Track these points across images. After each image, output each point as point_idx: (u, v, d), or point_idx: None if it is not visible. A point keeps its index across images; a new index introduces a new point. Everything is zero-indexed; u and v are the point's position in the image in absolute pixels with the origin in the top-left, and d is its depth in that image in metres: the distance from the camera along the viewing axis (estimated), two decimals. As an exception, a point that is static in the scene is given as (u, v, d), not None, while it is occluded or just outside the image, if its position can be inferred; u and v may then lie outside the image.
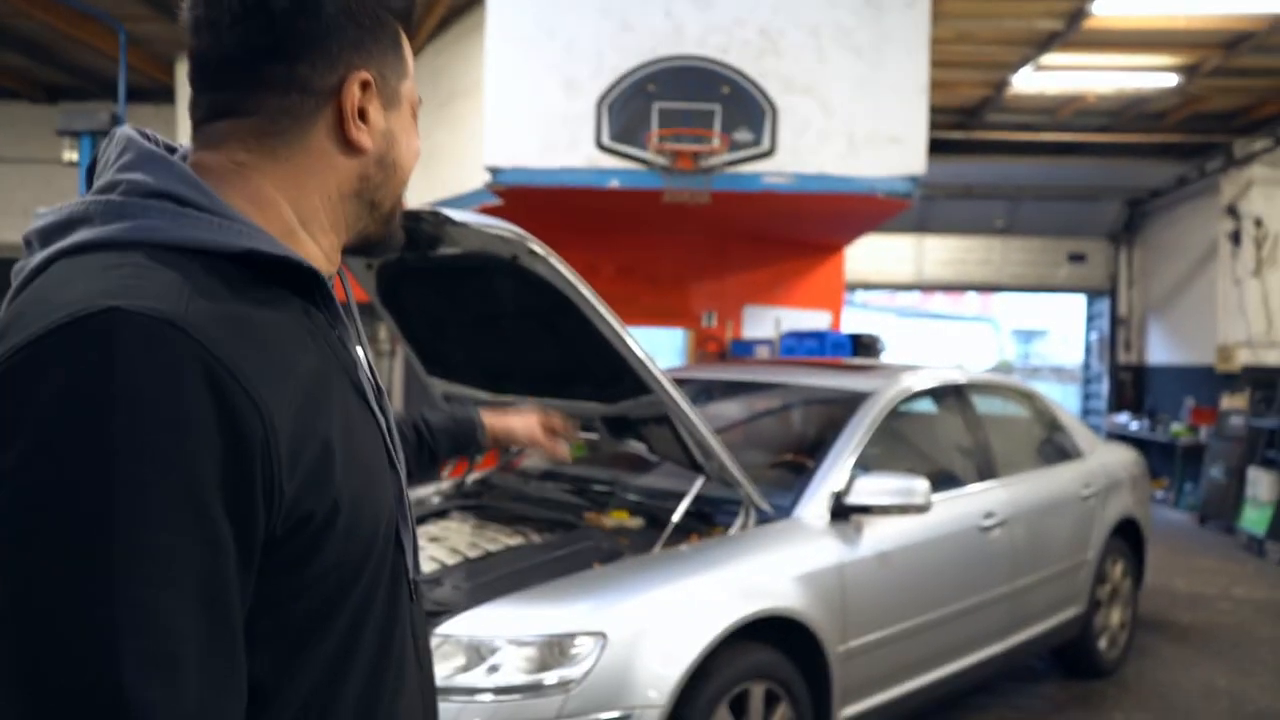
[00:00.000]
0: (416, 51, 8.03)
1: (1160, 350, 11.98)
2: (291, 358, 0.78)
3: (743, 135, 6.13)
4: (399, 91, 0.93)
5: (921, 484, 3.33)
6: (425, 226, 2.75)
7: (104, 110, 7.36)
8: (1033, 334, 27.57)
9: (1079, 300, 13.94)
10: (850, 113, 6.26)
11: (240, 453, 0.69)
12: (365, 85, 0.89)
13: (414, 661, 0.96)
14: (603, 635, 2.63)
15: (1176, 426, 10.63)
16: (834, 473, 3.45)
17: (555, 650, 2.59)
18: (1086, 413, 13.61)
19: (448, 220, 2.67)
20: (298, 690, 0.79)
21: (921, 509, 3.34)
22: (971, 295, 22.95)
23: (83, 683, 0.62)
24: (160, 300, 0.70)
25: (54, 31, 8.10)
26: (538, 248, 2.72)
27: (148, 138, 0.87)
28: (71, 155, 7.43)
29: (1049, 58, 8.00)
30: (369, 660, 0.86)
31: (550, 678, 2.56)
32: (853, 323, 12.55)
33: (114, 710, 0.62)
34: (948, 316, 26.75)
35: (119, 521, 0.63)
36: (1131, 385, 12.49)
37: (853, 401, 3.80)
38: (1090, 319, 13.67)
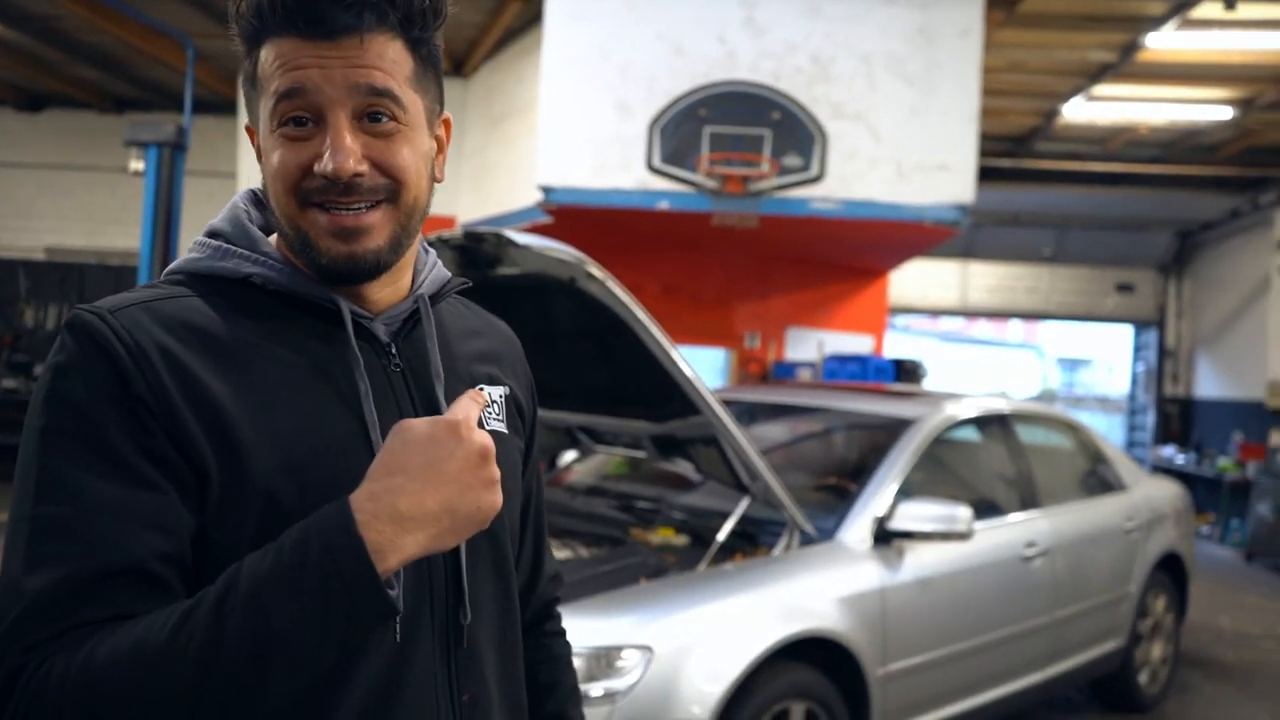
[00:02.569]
0: (471, 71, 8.23)
1: (1209, 383, 11.83)
2: (212, 355, 0.90)
3: (792, 160, 6.20)
4: (258, 110, 0.94)
5: (964, 511, 3.37)
6: (486, 247, 2.86)
7: (170, 122, 7.60)
8: (1078, 363, 27.23)
9: (1126, 330, 13.81)
10: (900, 140, 6.31)
11: (128, 390, 0.85)
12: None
13: (433, 710, 0.95)
14: (649, 649, 2.70)
15: (1224, 461, 10.49)
16: (877, 498, 3.50)
17: (603, 662, 2.67)
18: (1131, 444, 13.45)
19: (509, 242, 2.78)
20: None
21: (963, 536, 3.38)
22: (1016, 322, 22.74)
23: (13, 518, 0.85)
24: (112, 300, 0.91)
25: (125, 46, 8.40)
26: (596, 271, 2.81)
27: (255, 192, 1.04)
28: (137, 165, 7.66)
29: (1101, 88, 8.00)
30: None
31: (596, 689, 2.63)
32: (895, 347, 12.53)
33: (21, 525, 0.84)
34: (991, 343, 26.52)
35: (33, 440, 0.86)
36: (1178, 418, 12.33)
37: (897, 428, 3.85)
38: (1137, 350, 13.53)
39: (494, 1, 6.93)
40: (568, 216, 6.51)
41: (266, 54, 0.91)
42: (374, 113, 0.91)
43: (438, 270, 1.08)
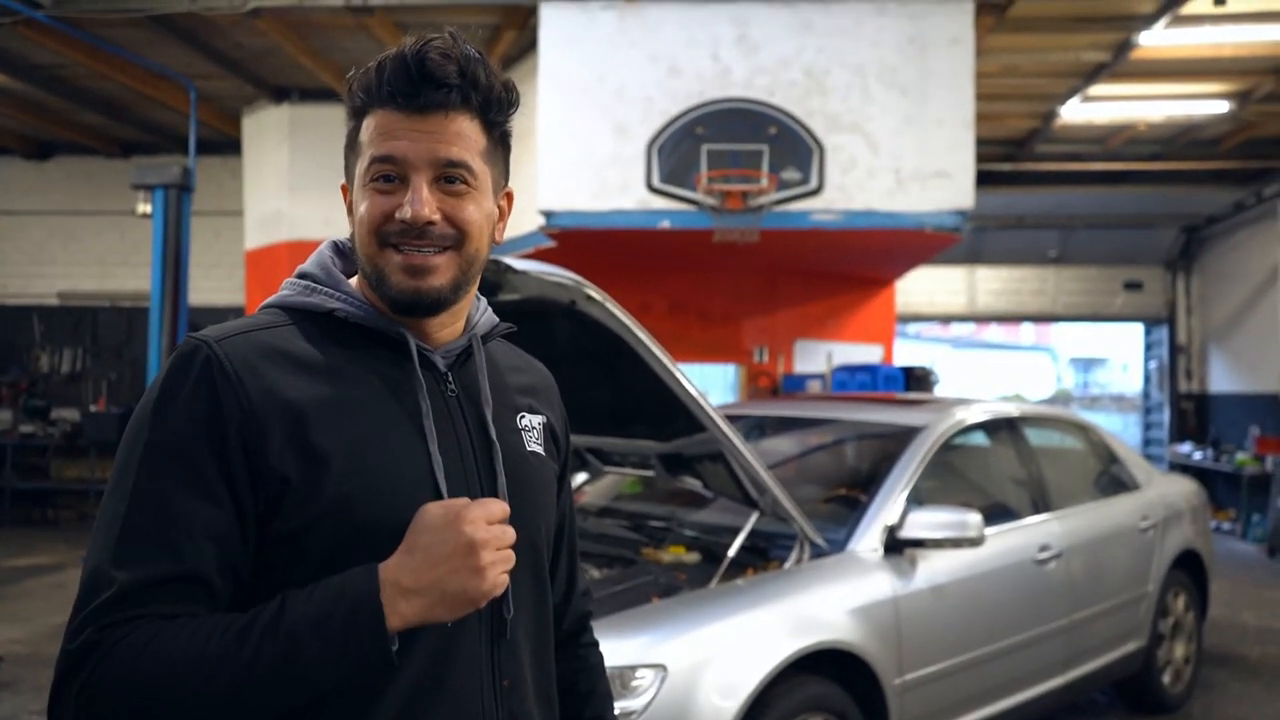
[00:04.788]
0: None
1: (1223, 378, 11.77)
2: (300, 376, 1.07)
3: (790, 174, 6.24)
4: (354, 170, 1.14)
5: (974, 517, 3.36)
6: (486, 274, 2.89)
7: (175, 164, 7.69)
8: (1091, 362, 27.15)
9: (1137, 328, 13.76)
10: (897, 149, 6.34)
11: (221, 414, 1.02)
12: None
13: (477, 691, 1.10)
14: (663, 668, 2.71)
15: (1242, 456, 10.42)
16: (887, 507, 3.50)
17: (617, 682, 2.67)
18: (1148, 443, 13.37)
19: (508, 268, 2.80)
20: None
21: (975, 542, 3.38)
22: (1028, 325, 22.69)
23: (108, 513, 1.02)
24: (219, 329, 1.08)
25: (130, 91, 8.51)
26: (594, 293, 2.84)
27: (336, 243, 1.24)
28: (145, 208, 7.74)
29: (1097, 88, 8.02)
30: None
31: (612, 709, 2.63)
32: (905, 355, 12.51)
33: (115, 522, 1.00)
34: (1004, 346, 26.47)
35: (135, 449, 1.02)
36: (1194, 414, 12.26)
37: (905, 436, 3.85)
38: (1148, 347, 13.47)
39: (489, 31, 7.00)
40: (571, 240, 6.55)
41: (369, 123, 1.11)
42: (449, 177, 1.10)
43: (488, 315, 1.27)
